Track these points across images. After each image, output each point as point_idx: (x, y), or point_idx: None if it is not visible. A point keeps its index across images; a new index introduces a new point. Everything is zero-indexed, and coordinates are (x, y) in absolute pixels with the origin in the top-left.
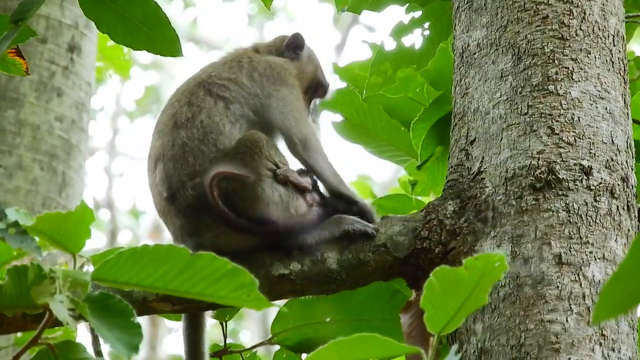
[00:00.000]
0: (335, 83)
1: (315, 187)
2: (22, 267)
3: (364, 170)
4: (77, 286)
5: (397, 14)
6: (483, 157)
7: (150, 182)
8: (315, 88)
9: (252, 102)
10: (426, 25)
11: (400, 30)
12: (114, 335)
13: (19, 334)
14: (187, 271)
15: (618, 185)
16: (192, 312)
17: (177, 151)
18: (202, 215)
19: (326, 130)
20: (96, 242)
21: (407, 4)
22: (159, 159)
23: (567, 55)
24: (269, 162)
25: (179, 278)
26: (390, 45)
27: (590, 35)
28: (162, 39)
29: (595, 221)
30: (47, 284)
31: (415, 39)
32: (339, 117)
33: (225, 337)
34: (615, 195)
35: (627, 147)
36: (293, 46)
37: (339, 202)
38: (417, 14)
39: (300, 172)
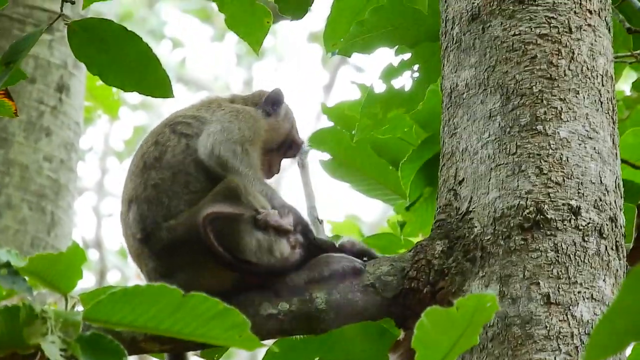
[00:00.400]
0: (323, 121)
1: (297, 228)
2: (14, 307)
3: (353, 210)
4: (69, 326)
5: (386, 54)
6: (471, 197)
7: (123, 225)
8: (288, 146)
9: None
10: (415, 67)
11: (389, 73)
12: None
13: None
14: (179, 311)
15: (606, 225)
16: (180, 351)
17: (151, 192)
18: (175, 256)
19: (314, 168)
20: (85, 281)
21: (397, 46)
22: (132, 201)
23: (555, 96)
24: (248, 208)
25: (171, 318)
26: (380, 87)
27: (578, 75)
28: (153, 80)
29: (584, 261)
30: (38, 324)
31: (404, 81)
32: (326, 156)
33: None
34: (604, 235)
35: (616, 187)
36: (272, 101)
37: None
38: (407, 55)
39: (282, 213)
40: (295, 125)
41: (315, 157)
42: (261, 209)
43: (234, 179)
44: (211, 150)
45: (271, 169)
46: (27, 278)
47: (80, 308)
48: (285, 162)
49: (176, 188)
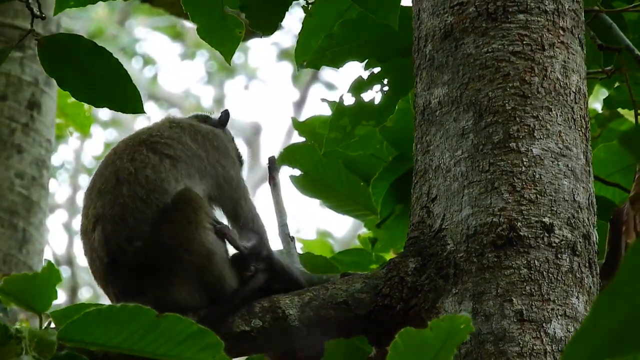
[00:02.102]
0: (294, 137)
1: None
2: None
3: (324, 225)
4: (44, 346)
5: (356, 71)
6: (444, 215)
7: (87, 244)
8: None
9: (197, 164)
10: (385, 81)
11: (359, 86)
12: None
13: None
14: (153, 332)
15: (580, 242)
16: None
17: (117, 211)
18: (145, 277)
19: (285, 184)
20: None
21: (366, 60)
22: (98, 220)
23: (528, 113)
24: (209, 217)
25: (145, 339)
26: (349, 100)
27: (551, 93)
28: (123, 95)
29: (557, 278)
30: (13, 344)
31: (374, 95)
32: (297, 172)
33: None
34: (577, 253)
35: (589, 205)
36: (221, 122)
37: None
38: (377, 69)
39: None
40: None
41: (286, 174)
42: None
43: (191, 189)
44: (245, 216)
45: None
46: (0, 298)
47: (52, 325)
48: (255, 177)
49: (145, 208)
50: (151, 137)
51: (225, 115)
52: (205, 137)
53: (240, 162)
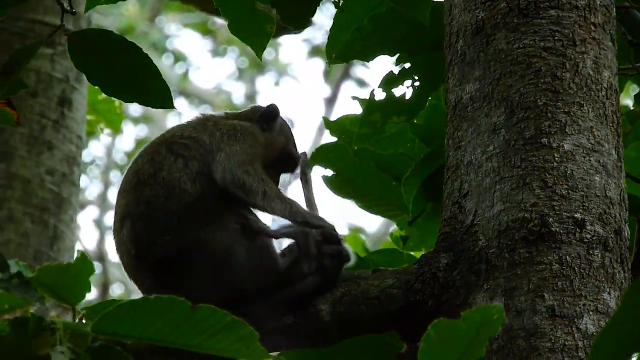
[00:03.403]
0: (326, 134)
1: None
2: (23, 318)
3: (356, 221)
4: (78, 338)
5: (388, 67)
6: (476, 210)
7: (117, 241)
8: (285, 161)
9: (206, 158)
10: (416, 76)
11: (390, 81)
12: None
13: None
14: (187, 323)
15: (611, 238)
16: None
17: (144, 210)
18: (173, 271)
19: (317, 184)
20: (87, 295)
21: (397, 55)
22: (125, 218)
23: (560, 109)
24: (236, 215)
25: (178, 330)
26: (380, 95)
27: (583, 89)
28: (153, 91)
29: (589, 274)
30: (47, 336)
31: (405, 90)
32: (329, 172)
33: None
34: (609, 248)
35: (621, 200)
36: (266, 118)
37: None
38: (407, 64)
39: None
40: (291, 139)
41: (319, 173)
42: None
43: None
44: (227, 178)
45: None
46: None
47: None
48: (287, 177)
49: (171, 205)
50: (172, 137)
51: (269, 111)
52: (224, 133)
53: (290, 161)
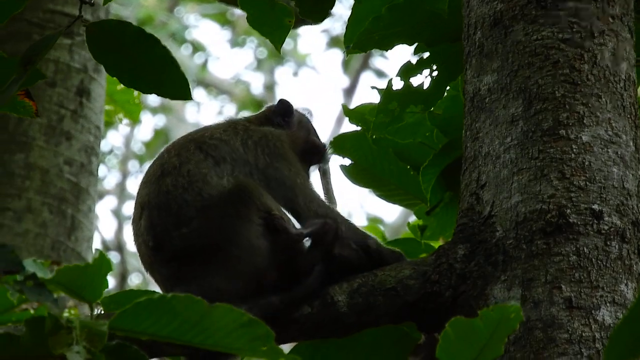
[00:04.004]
0: (344, 124)
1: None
2: (39, 317)
3: (375, 211)
4: (94, 336)
5: (406, 57)
6: (494, 201)
7: (135, 232)
8: (311, 153)
9: (244, 168)
10: (434, 66)
11: (408, 70)
12: None
13: None
14: (204, 322)
15: (629, 229)
16: (200, 357)
17: (162, 199)
18: (190, 264)
19: (335, 173)
20: None
21: (415, 45)
22: (144, 208)
23: (578, 100)
24: (261, 211)
25: (196, 329)
26: (398, 84)
27: (601, 80)
28: (171, 82)
29: (606, 265)
30: (64, 334)
31: (423, 79)
32: (347, 161)
33: None
34: (626, 240)
35: (638, 192)
36: (281, 114)
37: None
38: (426, 54)
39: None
40: (312, 131)
41: (336, 162)
42: (276, 211)
43: (247, 179)
44: (310, 212)
45: None
46: (50, 287)
47: (100, 311)
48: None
49: (187, 196)
50: (202, 137)
51: (281, 107)
52: (257, 144)
53: (316, 151)
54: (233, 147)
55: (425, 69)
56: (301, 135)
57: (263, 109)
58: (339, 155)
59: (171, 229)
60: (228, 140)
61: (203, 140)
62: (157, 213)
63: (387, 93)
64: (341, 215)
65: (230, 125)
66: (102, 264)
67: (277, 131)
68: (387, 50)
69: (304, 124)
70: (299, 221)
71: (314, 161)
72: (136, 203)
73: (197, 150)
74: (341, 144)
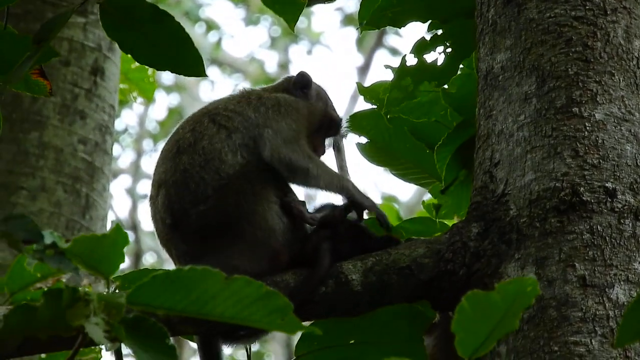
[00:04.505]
0: (359, 102)
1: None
2: (57, 289)
3: (389, 189)
4: (112, 309)
5: (420, 34)
6: (507, 180)
7: (153, 208)
8: (327, 125)
9: (252, 131)
10: (448, 43)
11: (421, 47)
12: (150, 357)
13: (43, 356)
14: (221, 295)
15: None
16: (215, 334)
17: (179, 177)
18: (207, 240)
19: (351, 151)
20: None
21: (429, 21)
22: (161, 185)
23: (591, 78)
24: (278, 190)
25: (213, 302)
26: (411, 61)
27: (614, 58)
28: (185, 59)
29: (620, 243)
30: (81, 307)
31: (437, 56)
32: (363, 139)
33: (249, 359)
34: None
35: None
36: (300, 86)
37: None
38: (440, 31)
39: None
40: (329, 103)
41: (352, 140)
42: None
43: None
44: (274, 156)
45: (317, 152)
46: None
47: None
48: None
49: (205, 174)
50: (216, 109)
51: (301, 79)
52: (269, 108)
53: (333, 124)
54: (245, 116)
55: (439, 45)
56: (319, 107)
57: (280, 80)
58: (355, 133)
59: (189, 207)
60: (241, 111)
61: (217, 112)
62: (174, 191)
63: (400, 69)
64: (316, 161)
65: (244, 96)
66: (118, 236)
67: (292, 98)
68: (400, 28)
69: (322, 96)
70: (293, 178)
71: (329, 134)
72: (153, 181)
73: (211, 123)
74: (357, 122)
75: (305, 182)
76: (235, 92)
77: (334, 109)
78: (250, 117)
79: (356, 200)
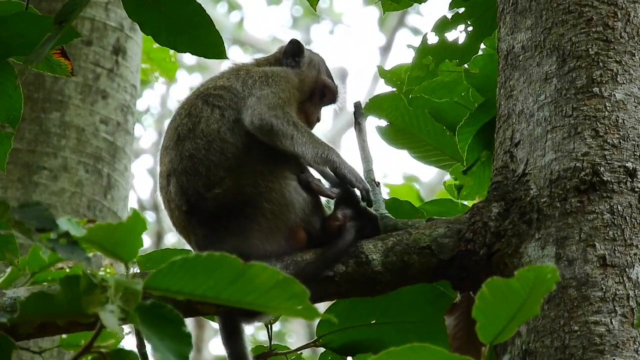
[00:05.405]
0: (380, 83)
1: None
2: (74, 276)
3: (410, 170)
4: (129, 295)
5: (442, 14)
6: (527, 159)
7: (165, 198)
8: (321, 93)
9: (238, 104)
10: (469, 21)
11: (443, 25)
12: (165, 344)
13: (64, 336)
14: (239, 281)
15: None
16: (235, 314)
17: (187, 164)
18: (224, 223)
19: (372, 134)
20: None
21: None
22: (170, 175)
23: (611, 58)
24: (293, 167)
25: (231, 288)
26: (433, 39)
27: (634, 38)
28: (206, 40)
29: None
30: (98, 294)
31: (458, 34)
32: (383, 122)
33: (270, 339)
34: None
35: None
36: (291, 54)
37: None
38: (461, 9)
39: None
40: (323, 70)
41: (373, 123)
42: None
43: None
44: (255, 122)
45: (310, 120)
46: (84, 246)
47: (136, 269)
48: (340, 123)
49: (212, 157)
50: (207, 90)
51: (291, 47)
52: (256, 80)
53: (327, 90)
54: (233, 90)
55: (460, 24)
56: (311, 74)
57: (275, 51)
58: (375, 116)
59: (203, 191)
60: (230, 87)
61: (208, 93)
62: (185, 178)
63: (422, 48)
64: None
65: (234, 71)
66: (136, 222)
67: (281, 69)
68: (421, 4)
69: (315, 64)
70: (274, 141)
71: (325, 102)
72: (161, 172)
73: (205, 104)
74: (377, 104)
75: (289, 149)
76: (227, 68)
77: (330, 76)
78: (238, 90)
79: (341, 172)
